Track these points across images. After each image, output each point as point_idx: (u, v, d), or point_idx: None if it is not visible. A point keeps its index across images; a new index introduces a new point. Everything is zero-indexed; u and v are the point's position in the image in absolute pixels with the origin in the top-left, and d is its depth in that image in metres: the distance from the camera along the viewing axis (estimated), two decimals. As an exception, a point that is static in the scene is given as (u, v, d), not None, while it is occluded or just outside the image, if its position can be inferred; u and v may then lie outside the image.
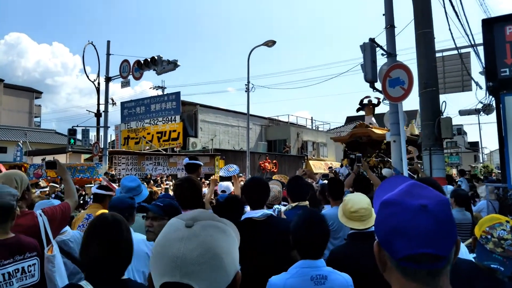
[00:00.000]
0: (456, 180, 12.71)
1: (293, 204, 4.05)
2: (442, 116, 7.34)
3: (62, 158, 22.52)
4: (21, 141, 21.02)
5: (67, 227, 3.65)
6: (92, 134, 20.76)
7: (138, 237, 3.08)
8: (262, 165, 28.37)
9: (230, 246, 1.01)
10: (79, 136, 19.82)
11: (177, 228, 1.00)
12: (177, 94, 23.09)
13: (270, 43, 21.26)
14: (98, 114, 19.82)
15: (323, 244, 2.53)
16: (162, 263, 0.96)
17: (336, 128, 47.35)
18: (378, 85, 7.94)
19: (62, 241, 3.50)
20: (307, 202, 4.12)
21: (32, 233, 2.87)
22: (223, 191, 6.23)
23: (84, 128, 20.06)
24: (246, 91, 22.19)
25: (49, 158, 21.61)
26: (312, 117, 48.59)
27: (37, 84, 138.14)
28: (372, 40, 8.04)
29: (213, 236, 0.98)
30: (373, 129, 13.87)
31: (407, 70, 6.17)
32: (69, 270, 3.32)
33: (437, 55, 9.35)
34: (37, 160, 22.43)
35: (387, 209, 1.01)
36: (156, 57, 15.46)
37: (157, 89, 33.54)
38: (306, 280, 2.34)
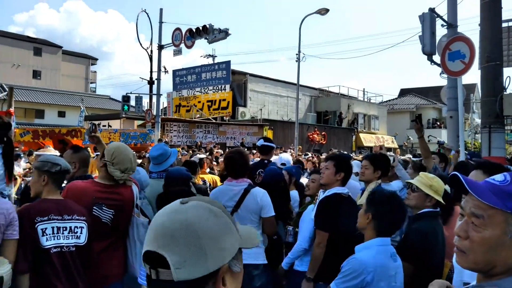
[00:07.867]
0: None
1: (379, 182, 4.08)
2: (505, 92, 6.93)
3: (116, 124, 23.34)
4: (83, 106, 21.69)
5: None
6: (145, 101, 21.24)
7: None
8: (311, 136, 28.14)
9: (220, 234, 0.97)
10: (132, 102, 20.35)
11: (174, 204, 1.02)
12: (227, 63, 23.12)
13: (323, 11, 20.62)
14: (151, 82, 20.22)
15: (401, 224, 2.65)
16: (148, 233, 0.99)
17: (389, 100, 45.94)
18: (436, 58, 7.62)
19: (143, 206, 3.64)
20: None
21: (131, 202, 3.20)
22: (283, 164, 5.64)
23: (137, 95, 20.56)
24: (297, 60, 21.83)
25: (104, 123, 22.51)
26: (364, 89, 47.18)
27: (94, 51, 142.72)
28: (432, 10, 7.74)
29: (201, 216, 0.97)
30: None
31: (469, 43, 5.84)
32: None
33: (503, 25, 8.76)
34: (93, 125, 23.23)
35: None
36: (207, 26, 15.43)
37: (207, 58, 33.60)
38: (388, 257, 2.44)
